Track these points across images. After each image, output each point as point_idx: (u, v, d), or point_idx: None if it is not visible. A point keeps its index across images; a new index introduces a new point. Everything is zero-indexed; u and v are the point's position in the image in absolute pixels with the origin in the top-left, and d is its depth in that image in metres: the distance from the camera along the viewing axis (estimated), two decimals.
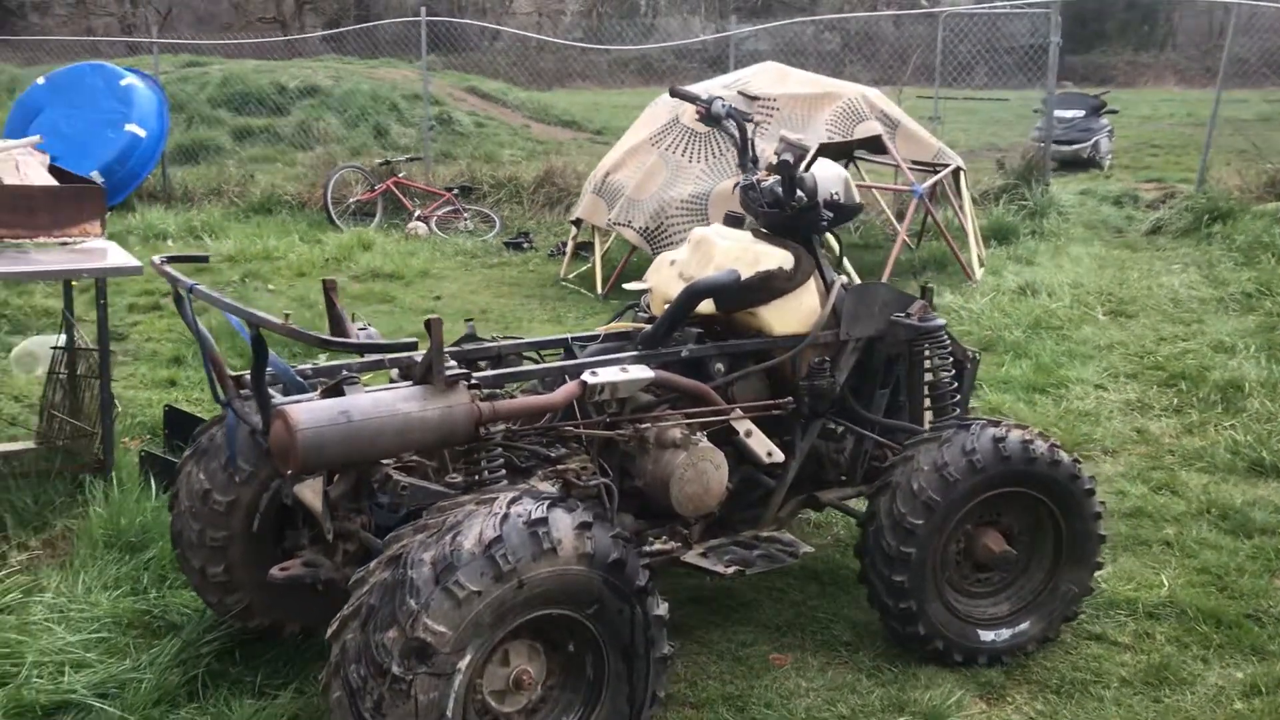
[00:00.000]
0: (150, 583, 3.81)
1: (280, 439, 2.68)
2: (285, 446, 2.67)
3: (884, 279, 8.88)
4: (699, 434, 3.42)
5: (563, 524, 2.65)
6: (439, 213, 12.67)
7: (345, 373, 3.01)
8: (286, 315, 2.78)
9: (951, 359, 3.84)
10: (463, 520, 2.60)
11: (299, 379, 3.04)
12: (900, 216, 11.21)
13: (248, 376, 2.99)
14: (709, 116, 3.91)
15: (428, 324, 2.77)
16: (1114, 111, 18.92)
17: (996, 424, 3.54)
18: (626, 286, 4.09)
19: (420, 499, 2.84)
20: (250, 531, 3.33)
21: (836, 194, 3.66)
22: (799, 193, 3.62)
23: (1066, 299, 8.26)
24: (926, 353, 3.79)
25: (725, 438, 3.55)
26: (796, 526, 4.54)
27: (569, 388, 3.16)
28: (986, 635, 3.59)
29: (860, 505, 3.81)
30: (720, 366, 3.57)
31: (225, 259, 10.56)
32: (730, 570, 3.33)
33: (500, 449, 3.05)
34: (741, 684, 3.44)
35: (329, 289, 3.35)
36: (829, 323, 3.69)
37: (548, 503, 2.68)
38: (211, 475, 3.32)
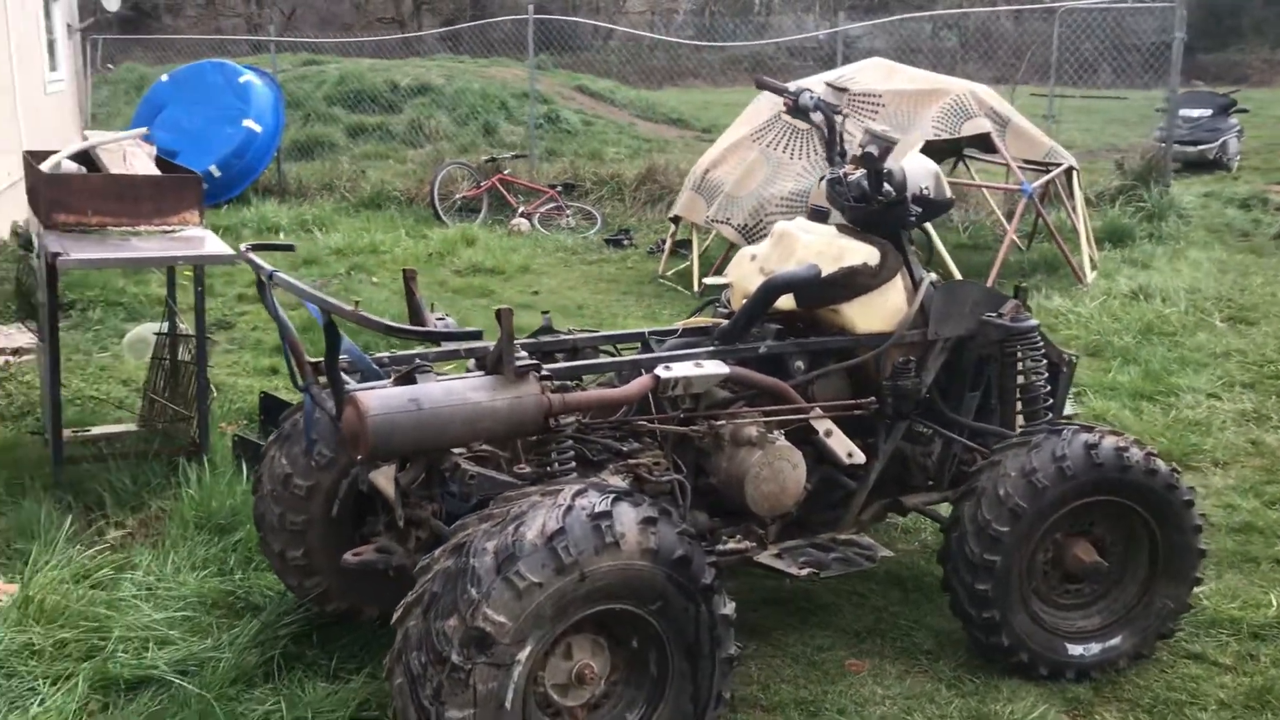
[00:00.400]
0: (236, 564, 3.89)
1: (351, 424, 2.69)
2: (356, 432, 2.68)
3: (990, 280, 8.66)
4: (776, 432, 3.35)
5: (627, 518, 2.61)
6: (542, 209, 12.76)
7: (418, 361, 3.02)
8: (356, 302, 2.80)
9: (1045, 361, 3.70)
10: (527, 511, 2.59)
11: (375, 366, 3.06)
12: (1010, 217, 10.93)
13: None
14: (796, 109, 3.83)
15: (498, 314, 2.77)
16: (1244, 111, 18.15)
17: (1090, 429, 3.40)
18: (707, 281, 4.06)
19: (488, 489, 2.84)
20: (329, 516, 3.37)
21: (926, 189, 3.56)
22: (886, 187, 3.53)
23: (1182, 304, 7.94)
24: (1018, 354, 3.66)
25: (804, 437, 3.47)
26: (883, 531, 4.43)
27: (641, 381, 3.13)
28: (1075, 649, 3.45)
29: (947, 511, 3.70)
30: (800, 364, 3.49)
31: (333, 252, 10.77)
32: (803, 572, 3.26)
33: (571, 441, 3.03)
34: (815, 689, 3.36)
35: (409, 278, 3.38)
36: (916, 321, 3.59)
37: (613, 496, 2.64)
38: (293, 460, 3.37)
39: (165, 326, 5.46)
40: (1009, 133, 9.14)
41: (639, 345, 3.62)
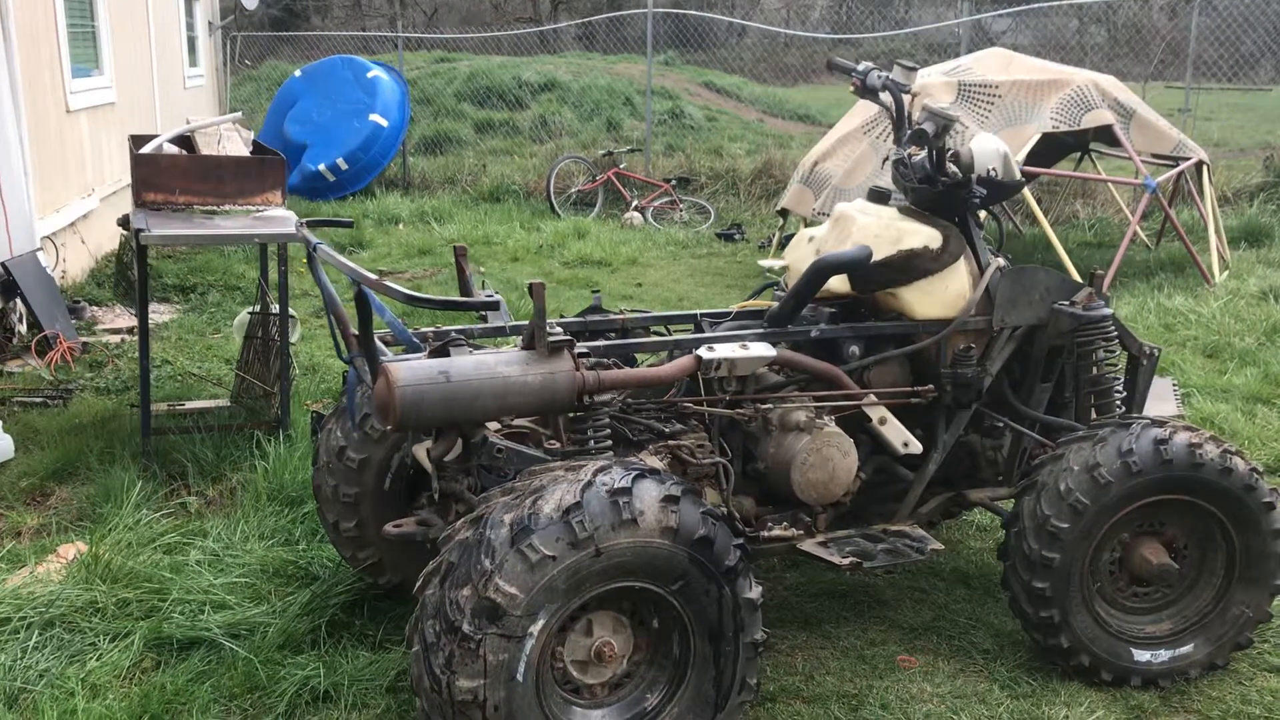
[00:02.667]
0: (302, 535, 3.97)
1: (381, 395, 2.72)
2: (385, 402, 2.71)
3: (1108, 280, 8.32)
4: (827, 418, 3.27)
5: (647, 496, 2.57)
6: (656, 203, 12.77)
7: (454, 334, 3.03)
8: (381, 272, 2.83)
9: (1120, 353, 3.52)
10: (547, 485, 2.57)
11: (414, 339, 3.08)
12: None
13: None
14: (864, 88, 3.73)
15: (530, 288, 2.76)
16: None
17: (1161, 424, 3.22)
18: (762, 264, 3.97)
19: (517, 463, 2.83)
20: (382, 489, 3.42)
21: (994, 169, 3.42)
22: (951, 168, 3.41)
23: None
24: (1091, 345, 3.49)
25: (860, 425, 3.38)
26: (955, 528, 4.29)
27: (682, 362, 3.08)
28: (1141, 655, 3.28)
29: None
30: (855, 349, 3.40)
31: (448, 243, 10.97)
32: (846, 562, 3.17)
33: (608, 419, 3.01)
34: (861, 682, 3.26)
35: (459, 255, 3.40)
36: (981, 308, 3.46)
37: (635, 474, 2.61)
38: (347, 433, 3.43)
39: (257, 306, 5.62)
40: (1134, 125, 8.77)
41: (691, 327, 3.57)
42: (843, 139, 9.40)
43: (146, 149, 4.91)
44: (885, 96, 3.72)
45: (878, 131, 9.05)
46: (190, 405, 5.17)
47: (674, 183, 13.09)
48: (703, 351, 3.09)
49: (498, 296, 3.35)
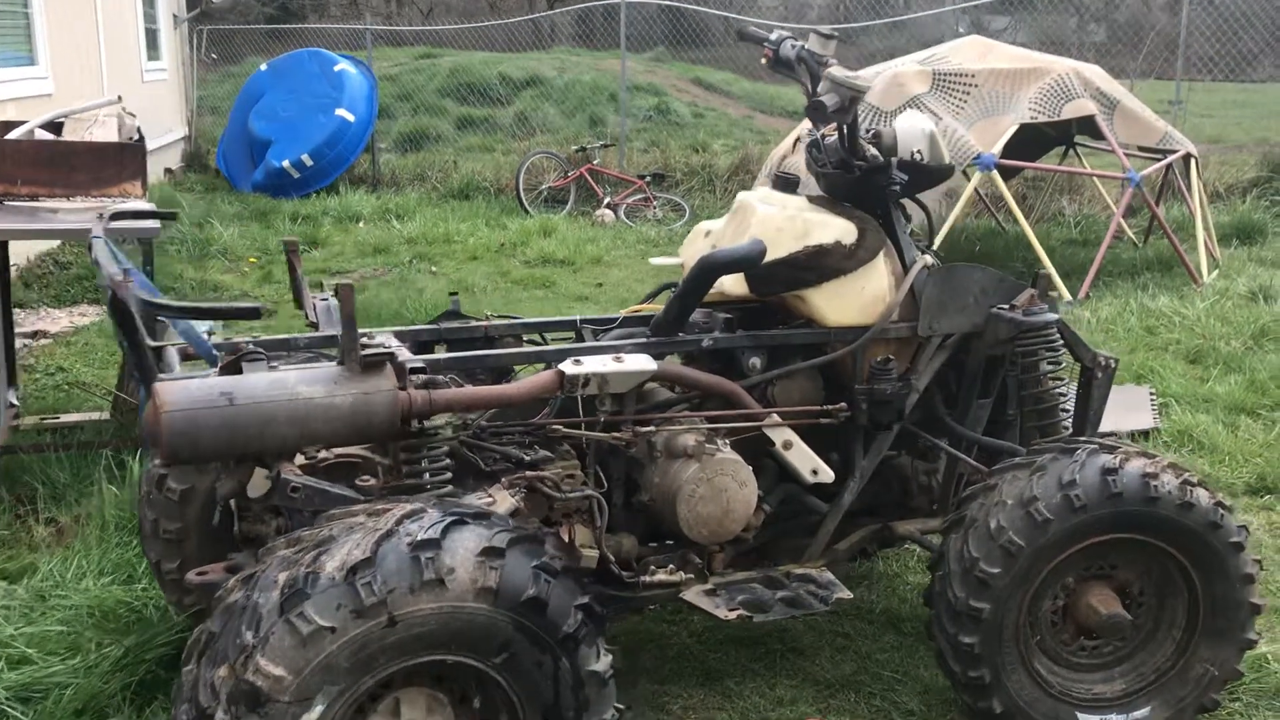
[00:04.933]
0: (146, 571, 3.49)
1: (149, 421, 2.24)
2: (153, 430, 2.23)
3: (1088, 280, 7.83)
4: (721, 442, 2.79)
5: (461, 549, 2.09)
6: (629, 200, 12.29)
7: (250, 346, 2.55)
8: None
9: (1064, 364, 3.04)
10: (337, 536, 2.10)
11: (214, 352, 2.60)
12: (1128, 210, 10.01)
13: (168, 347, 2.58)
14: (777, 60, 3.23)
15: (337, 291, 2.28)
16: None
17: (1112, 449, 2.74)
18: (653, 261, 3.49)
19: (318, 503, 2.34)
20: (209, 525, 2.93)
21: (918, 152, 2.94)
22: (870, 150, 2.93)
23: None
24: (1034, 355, 3.01)
25: (764, 449, 2.90)
26: (896, 557, 3.80)
27: (542, 378, 2.61)
28: None
29: None
30: (756, 362, 2.91)
31: (405, 241, 10.51)
32: (732, 615, 2.69)
33: (450, 447, 2.53)
34: None
35: (290, 252, 2.92)
36: (905, 313, 2.97)
37: (451, 520, 2.12)
38: None
39: None
40: (1117, 116, 8.28)
41: (573, 335, 3.09)
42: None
43: (14, 134, 4.43)
44: (801, 70, 3.22)
45: None
46: (65, 419, 4.70)
47: (648, 179, 12.60)
48: (567, 366, 2.61)
49: (329, 299, 2.87)
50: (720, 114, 20.29)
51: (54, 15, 9.61)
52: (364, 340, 2.38)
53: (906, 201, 3.10)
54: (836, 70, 2.73)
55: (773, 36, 3.24)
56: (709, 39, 23.18)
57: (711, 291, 2.89)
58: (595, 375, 2.61)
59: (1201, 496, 2.71)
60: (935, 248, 3.23)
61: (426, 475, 2.48)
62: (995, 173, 8.22)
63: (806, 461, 2.87)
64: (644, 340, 2.83)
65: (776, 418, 2.86)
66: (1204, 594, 2.77)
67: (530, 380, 2.59)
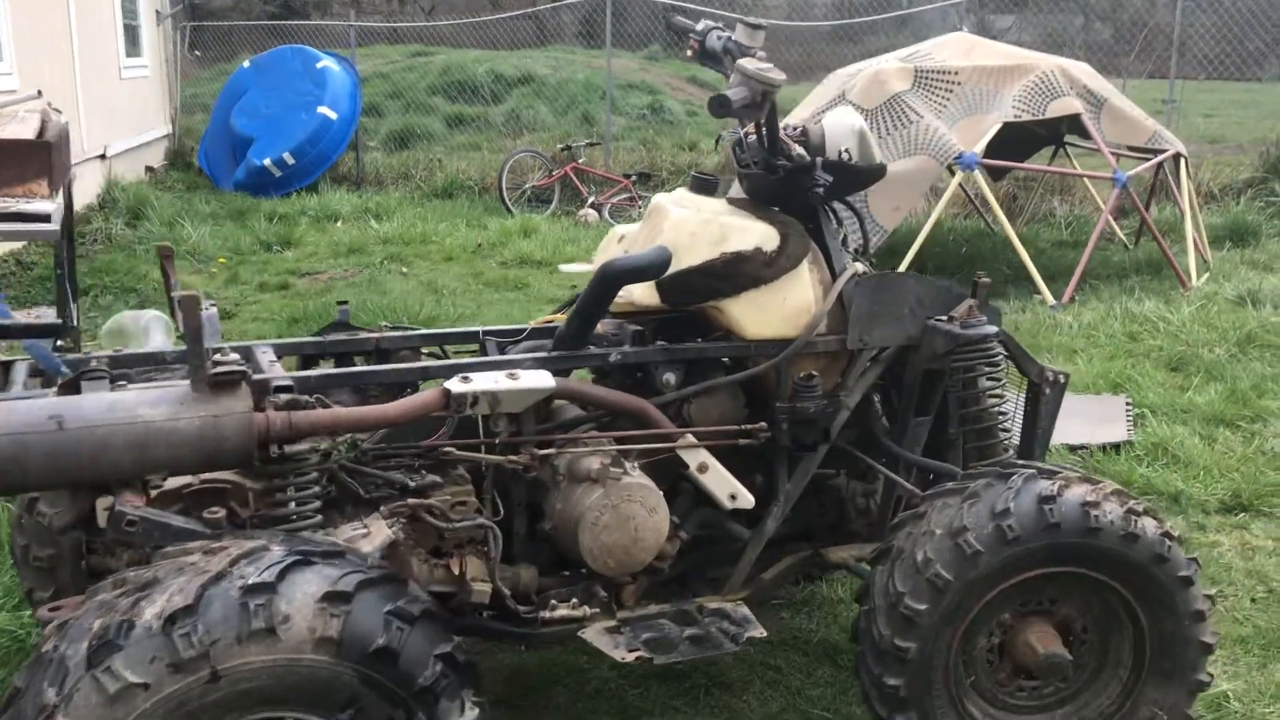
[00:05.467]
0: None
1: None
2: None
3: (1072, 284, 7.60)
4: (630, 465, 2.57)
5: (300, 594, 1.88)
6: (614, 200, 12.06)
7: (94, 363, 2.33)
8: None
9: (1003, 380, 2.82)
10: (163, 578, 1.88)
11: (62, 367, 2.38)
12: (1120, 211, 9.78)
13: (17, 363, 2.37)
14: (703, 52, 3.02)
15: (179, 303, 2.06)
16: None
17: (1051, 474, 2.52)
18: (564, 269, 3.27)
19: (158, 538, 2.12)
20: (83, 553, 2.71)
21: (846, 151, 2.72)
22: (796, 149, 2.71)
23: None
24: (973, 370, 2.79)
25: (681, 473, 2.68)
26: (841, 580, 3.58)
27: (424, 397, 2.39)
28: None
29: None
30: (670, 377, 2.69)
31: (381, 240, 10.30)
32: (630, 657, 2.47)
33: (320, 473, 2.32)
34: None
35: (164, 258, 2.70)
36: (833, 325, 2.75)
37: (291, 561, 1.91)
38: None
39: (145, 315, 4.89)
40: (1105, 114, 8.05)
41: (477, 348, 2.87)
42: None
43: None
44: (727, 61, 3.00)
45: None
46: None
47: (634, 178, 12.37)
48: (453, 383, 2.40)
49: (207, 309, 2.65)
50: None
51: (20, 8, 9.41)
52: (217, 357, 2.16)
53: (841, 205, 2.89)
54: (747, 61, 2.50)
55: (699, 26, 3.02)
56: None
57: (623, 302, 2.68)
58: (485, 394, 2.39)
59: (1147, 527, 2.48)
60: (871, 252, 3.01)
61: (293, 505, 2.26)
62: (979, 172, 7.98)
63: (724, 486, 2.65)
64: (544, 355, 2.61)
65: (691, 438, 2.64)
66: (1150, 631, 2.55)
67: (411, 400, 2.38)
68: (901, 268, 7.96)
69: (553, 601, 2.59)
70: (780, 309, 2.69)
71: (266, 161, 12.66)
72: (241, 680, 1.83)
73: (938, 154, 7.74)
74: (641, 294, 2.64)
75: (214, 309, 2.68)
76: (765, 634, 2.61)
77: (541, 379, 2.46)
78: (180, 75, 15.98)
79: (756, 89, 2.48)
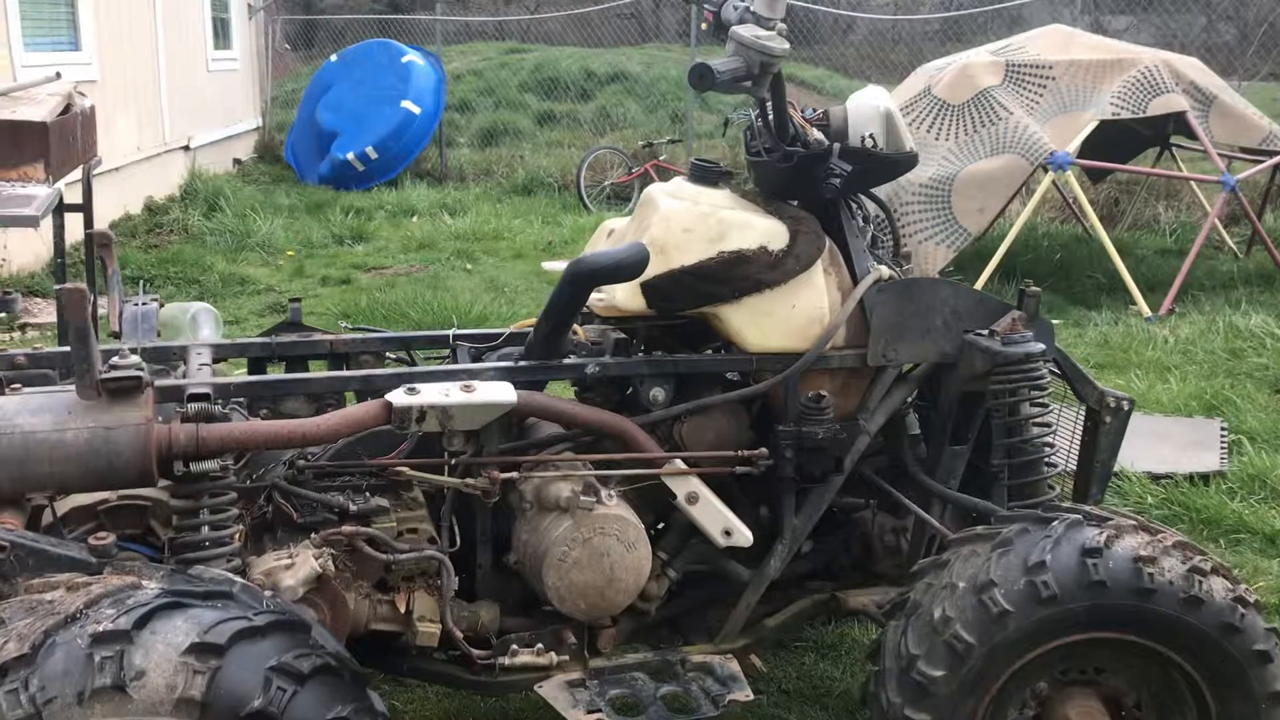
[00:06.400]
0: None
1: None
2: None
3: (1171, 295, 7.04)
4: (608, 493, 2.24)
5: (160, 644, 1.59)
6: None
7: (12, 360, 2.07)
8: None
9: (1050, 406, 2.42)
10: (8, 620, 1.61)
11: None
12: (1231, 218, 9.13)
13: None
14: (719, 24, 2.66)
15: (61, 295, 1.79)
16: None
17: (1101, 521, 2.12)
18: (546, 266, 2.95)
19: (32, 566, 1.85)
20: None
21: (871, 136, 2.35)
22: (815, 135, 2.36)
23: None
24: (1012, 395, 2.39)
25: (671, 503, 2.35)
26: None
27: (360, 411, 2.09)
28: None
29: None
30: (659, 393, 2.35)
31: (453, 236, 10.13)
32: (590, 718, 2.13)
33: (239, 494, 2.04)
34: None
35: (100, 246, 2.45)
36: (853, 338, 2.39)
37: (159, 603, 1.62)
38: None
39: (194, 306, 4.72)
40: (1213, 113, 7.45)
41: (449, 353, 2.57)
42: None
43: None
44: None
45: (910, 118, 7.87)
46: None
47: None
48: (396, 395, 2.09)
49: (143, 304, 2.40)
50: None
51: (103, 1, 9.45)
52: (115, 360, 1.89)
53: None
54: (743, 28, 2.15)
55: None
56: (816, 35, 22.48)
57: (605, 306, 2.35)
58: (433, 407, 2.09)
59: (1216, 589, 2.07)
60: (903, 253, 2.63)
61: (205, 529, 1.99)
62: (1071, 174, 7.47)
63: (716, 519, 2.31)
64: (510, 365, 2.29)
65: (679, 464, 2.29)
66: (1218, 715, 2.13)
67: (344, 413, 2.08)
68: (985, 274, 7.49)
69: (513, 647, 2.27)
70: (787, 318, 2.33)
71: (349, 156, 12.59)
72: None
73: (1027, 153, 7.24)
74: (625, 297, 2.31)
75: (154, 304, 2.43)
76: (751, 697, 2.25)
77: (501, 392, 2.14)
78: (277, 68, 16.10)
79: (754, 60, 2.12)
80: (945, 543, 2.25)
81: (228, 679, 1.61)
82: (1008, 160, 7.31)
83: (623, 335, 2.37)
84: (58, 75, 4.57)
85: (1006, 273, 7.76)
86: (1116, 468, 3.09)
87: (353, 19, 19.99)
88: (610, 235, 2.53)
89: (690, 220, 2.30)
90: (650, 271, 2.26)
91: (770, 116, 2.31)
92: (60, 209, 3.79)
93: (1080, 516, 2.14)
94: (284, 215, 10.64)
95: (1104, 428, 2.58)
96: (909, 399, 2.52)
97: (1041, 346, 2.35)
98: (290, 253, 9.35)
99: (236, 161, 13.96)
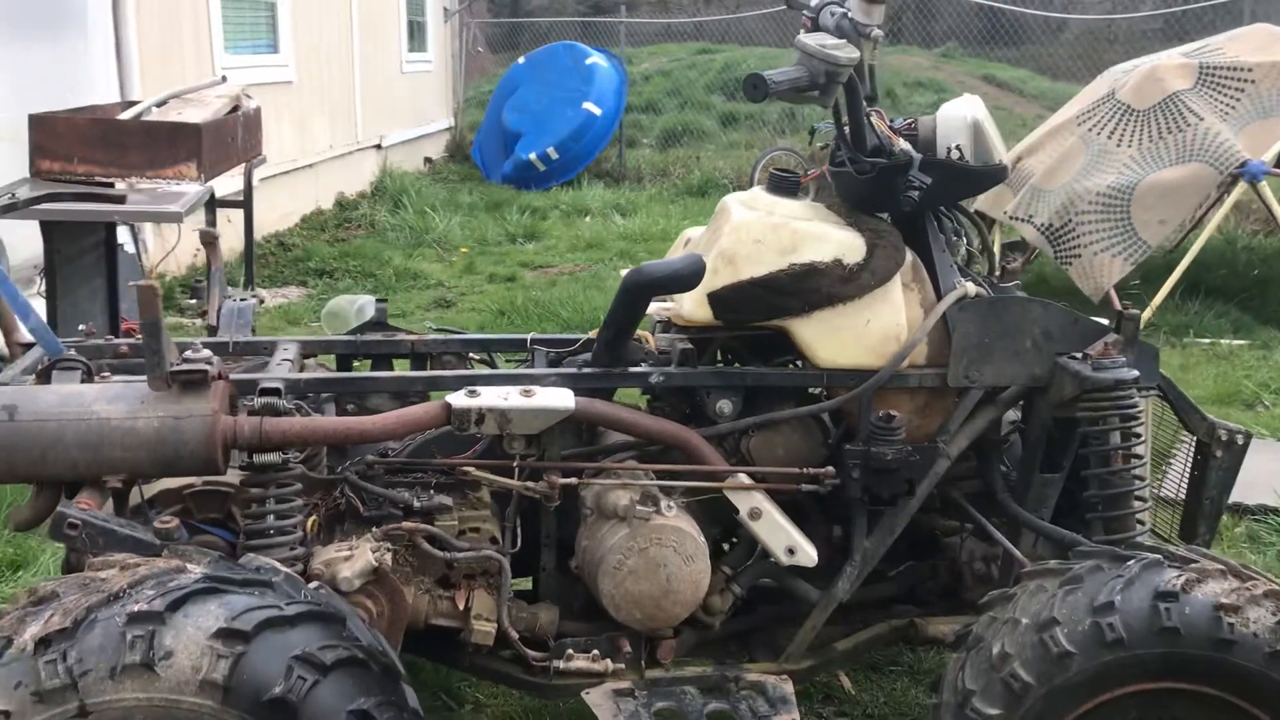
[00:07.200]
0: None
1: None
2: None
3: None
4: (668, 504, 2.23)
5: (190, 627, 1.67)
6: None
7: (71, 352, 2.21)
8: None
9: (1140, 436, 2.27)
10: (62, 594, 1.72)
11: (76, 357, 2.27)
12: None
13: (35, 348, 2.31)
14: (816, 29, 2.60)
15: (136, 291, 1.91)
16: None
17: (1183, 563, 1.98)
18: (624, 274, 2.91)
19: (102, 545, 1.97)
20: None
21: (957, 148, 2.26)
22: (902, 145, 2.28)
23: None
24: (1104, 423, 2.26)
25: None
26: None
27: (420, 411, 2.14)
28: None
29: None
30: (726, 405, 2.32)
31: (620, 237, 10.26)
32: None
33: (302, 486, 2.12)
34: None
35: (207, 243, 2.59)
36: (935, 356, 2.30)
37: (196, 588, 1.70)
38: None
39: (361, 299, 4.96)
40: None
41: (527, 357, 2.60)
42: (1052, 131, 7.91)
43: (128, 114, 4.40)
44: None
45: (1092, 122, 7.52)
46: None
47: None
48: (457, 398, 2.14)
49: (242, 300, 2.52)
50: (1007, 111, 18.99)
51: (299, 4, 9.95)
52: (187, 354, 2.00)
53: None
54: (809, 37, 2.10)
55: (813, 2, 2.61)
56: (1024, 36, 21.72)
57: (674, 316, 2.34)
58: (492, 410, 2.12)
59: None
60: (1011, 268, 2.50)
61: (271, 518, 2.08)
62: (1266, 184, 6.98)
63: (780, 537, 2.26)
64: (572, 372, 2.31)
65: (743, 478, 2.26)
66: None
67: (404, 413, 2.13)
68: (1165, 288, 7.08)
69: (569, 651, 2.28)
70: (861, 333, 2.26)
71: (532, 156, 12.90)
72: (115, 718, 1.64)
73: (1217, 162, 6.80)
74: (691, 307, 2.29)
75: (251, 300, 2.55)
76: None
77: (560, 398, 2.16)
78: (472, 70, 16.64)
79: (818, 69, 2.07)
80: (1016, 575, 2.14)
81: (251, 665, 1.67)
82: (1194, 169, 6.88)
83: (689, 345, 2.34)
84: (223, 78, 4.85)
85: (1192, 287, 7.33)
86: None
87: (555, 21, 20.50)
88: (687, 244, 2.52)
89: (762, 231, 2.26)
90: (718, 282, 2.23)
91: (848, 126, 2.25)
92: (213, 204, 4.03)
93: (1160, 557, 2.00)
94: (463, 213, 10.99)
95: (1214, 462, 2.40)
96: (999, 422, 2.41)
97: (1134, 373, 2.21)
98: (464, 249, 9.65)
99: (427, 160, 14.49)
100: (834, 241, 2.26)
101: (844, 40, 2.12)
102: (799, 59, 2.11)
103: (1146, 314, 7.08)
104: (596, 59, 13.73)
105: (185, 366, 1.96)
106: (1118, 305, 2.36)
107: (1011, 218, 7.63)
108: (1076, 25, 22.95)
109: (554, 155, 13.05)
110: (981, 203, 8.17)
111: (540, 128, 13.21)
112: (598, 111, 13.35)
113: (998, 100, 19.64)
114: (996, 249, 6.67)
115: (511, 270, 8.86)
